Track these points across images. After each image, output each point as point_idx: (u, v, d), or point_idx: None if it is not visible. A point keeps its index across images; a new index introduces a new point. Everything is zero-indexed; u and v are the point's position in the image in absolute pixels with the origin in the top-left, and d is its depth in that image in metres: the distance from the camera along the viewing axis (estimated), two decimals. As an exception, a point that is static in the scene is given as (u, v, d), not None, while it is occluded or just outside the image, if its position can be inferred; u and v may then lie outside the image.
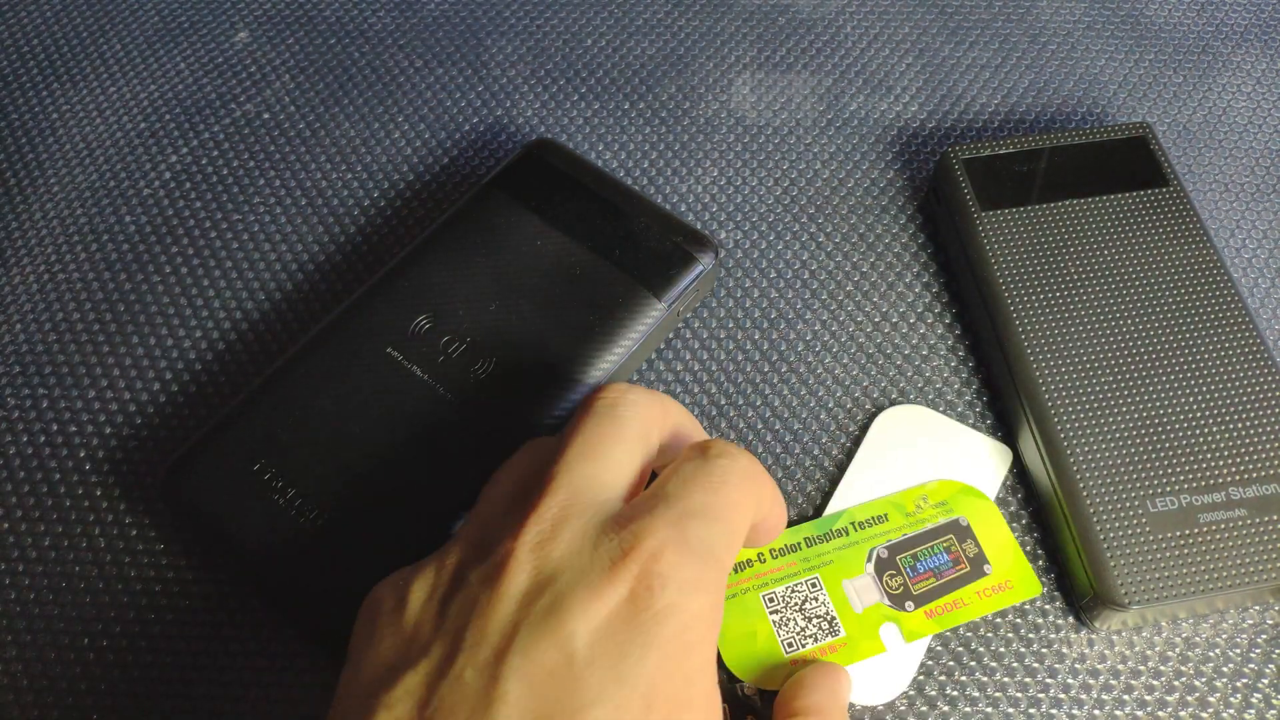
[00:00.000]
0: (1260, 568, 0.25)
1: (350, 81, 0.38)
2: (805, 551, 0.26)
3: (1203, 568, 0.25)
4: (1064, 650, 0.26)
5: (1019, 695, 0.26)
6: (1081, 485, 0.26)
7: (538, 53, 0.38)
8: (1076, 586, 0.26)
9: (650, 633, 0.17)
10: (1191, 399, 0.27)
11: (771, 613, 0.25)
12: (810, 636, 0.25)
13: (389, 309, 0.29)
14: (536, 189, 0.31)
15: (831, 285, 0.33)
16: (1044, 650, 0.26)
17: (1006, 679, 0.26)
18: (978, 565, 0.26)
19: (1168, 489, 0.26)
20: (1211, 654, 0.26)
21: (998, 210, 0.31)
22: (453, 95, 0.37)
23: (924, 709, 0.25)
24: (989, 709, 0.25)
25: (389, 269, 0.30)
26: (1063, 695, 0.25)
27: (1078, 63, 0.38)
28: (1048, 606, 0.27)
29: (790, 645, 0.24)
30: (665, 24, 0.39)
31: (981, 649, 0.26)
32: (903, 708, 0.25)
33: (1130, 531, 0.25)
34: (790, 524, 0.27)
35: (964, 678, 0.26)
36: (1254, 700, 0.25)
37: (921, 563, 0.26)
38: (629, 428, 0.21)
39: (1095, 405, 0.27)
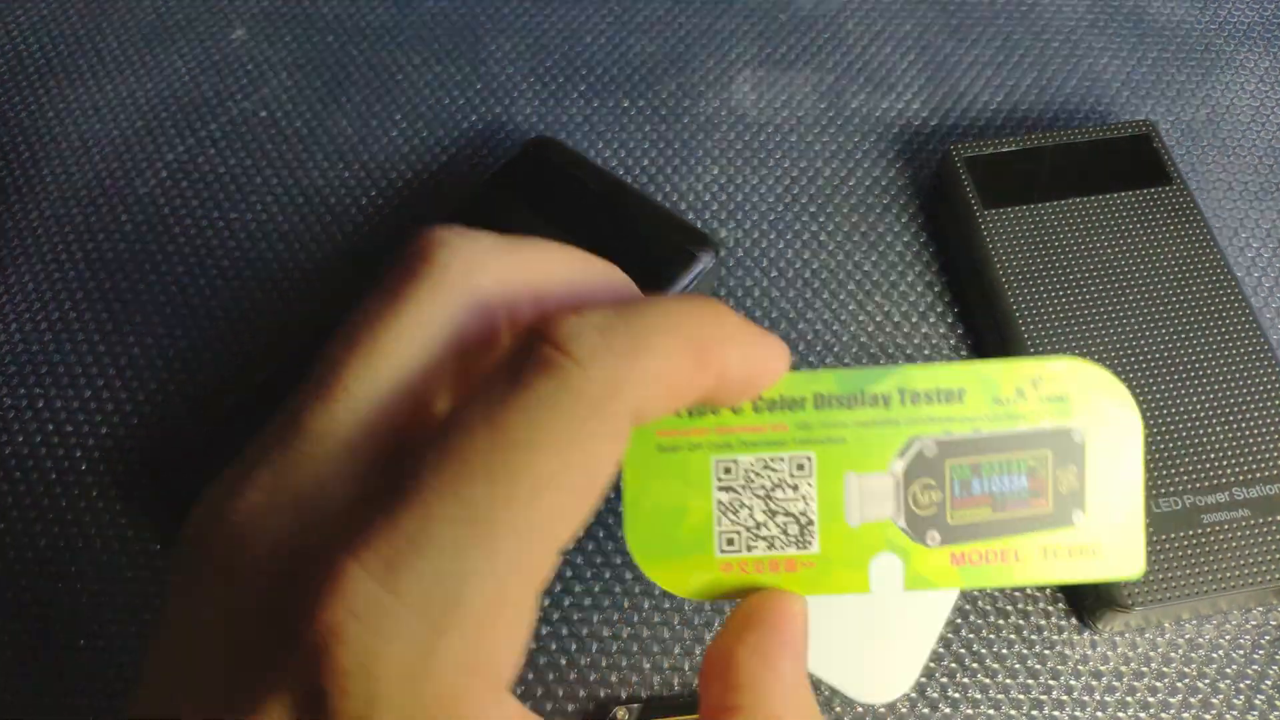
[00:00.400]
0: (1263, 568, 0.25)
1: (348, 79, 0.37)
2: (809, 414, 0.17)
3: (1206, 568, 0.25)
4: (1066, 652, 0.26)
5: (1021, 698, 0.25)
6: (1084, 486, 0.26)
7: (537, 50, 0.38)
8: (1079, 587, 0.26)
9: None
10: (1194, 399, 0.27)
11: (721, 489, 0.17)
12: (765, 539, 0.17)
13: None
14: (536, 187, 0.31)
15: (833, 284, 0.32)
16: (1046, 652, 0.26)
17: (1008, 680, 0.26)
18: (1065, 507, 0.17)
19: (1171, 489, 0.26)
20: (1214, 656, 0.26)
21: (1000, 209, 0.31)
22: (451, 93, 0.37)
23: (925, 711, 0.25)
24: (991, 711, 0.25)
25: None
26: (1065, 698, 0.25)
27: (1081, 60, 0.38)
28: (1050, 608, 0.27)
29: (730, 543, 0.17)
30: (665, 21, 0.39)
31: (983, 650, 0.26)
32: (904, 710, 0.25)
33: (1133, 533, 0.25)
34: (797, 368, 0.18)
35: (965, 679, 0.26)
36: (1257, 702, 0.25)
37: (983, 480, 0.17)
38: (416, 318, 0.13)
39: (1098, 405, 0.27)
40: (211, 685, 0.12)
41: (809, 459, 0.17)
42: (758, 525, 0.17)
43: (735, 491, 0.17)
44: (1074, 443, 0.17)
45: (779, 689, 0.15)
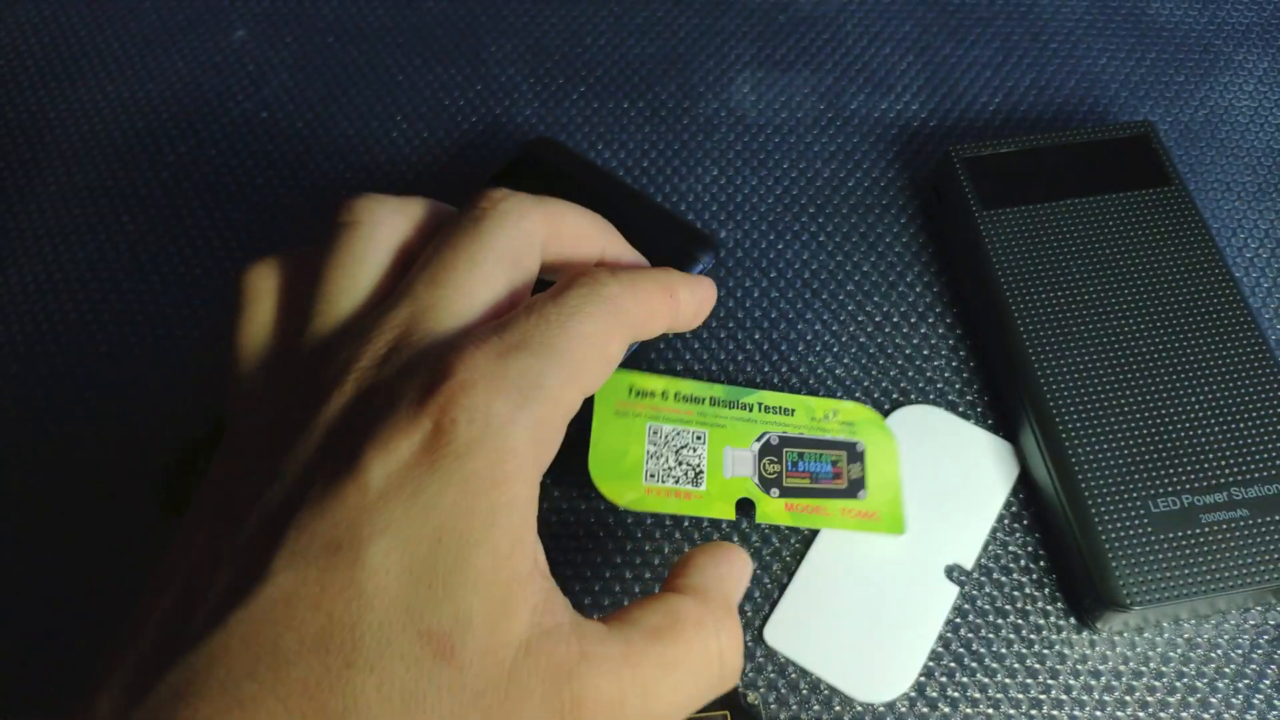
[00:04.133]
0: (1262, 568, 0.25)
1: (348, 80, 0.37)
2: (706, 408, 0.28)
3: (1205, 568, 0.25)
4: (1065, 652, 0.26)
5: (1020, 697, 0.25)
6: (1083, 485, 0.26)
7: (537, 50, 0.38)
8: (1078, 587, 0.26)
9: (449, 469, 0.16)
10: (1193, 399, 0.27)
11: (650, 443, 0.27)
12: (673, 476, 0.26)
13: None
14: (536, 188, 0.31)
15: (832, 285, 0.32)
16: (1045, 652, 0.26)
17: (1007, 680, 0.26)
18: (855, 487, 0.27)
19: (1169, 489, 0.26)
20: (1213, 655, 0.26)
21: (1000, 209, 0.31)
22: (451, 94, 0.37)
23: (925, 710, 0.25)
24: (990, 710, 0.25)
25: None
26: (1064, 697, 0.25)
27: (1079, 61, 0.38)
28: (1049, 608, 0.27)
29: (652, 476, 0.26)
30: (665, 22, 0.39)
31: (982, 650, 0.26)
32: (903, 709, 0.25)
33: (1132, 532, 0.25)
34: (703, 378, 0.30)
35: (964, 679, 0.26)
36: (1255, 702, 0.25)
37: (804, 463, 0.27)
38: (492, 246, 0.19)
39: (1097, 405, 0.27)
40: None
41: (703, 434, 0.27)
42: (669, 468, 0.26)
43: (658, 445, 0.27)
44: (858, 451, 0.28)
45: (719, 598, 0.19)
